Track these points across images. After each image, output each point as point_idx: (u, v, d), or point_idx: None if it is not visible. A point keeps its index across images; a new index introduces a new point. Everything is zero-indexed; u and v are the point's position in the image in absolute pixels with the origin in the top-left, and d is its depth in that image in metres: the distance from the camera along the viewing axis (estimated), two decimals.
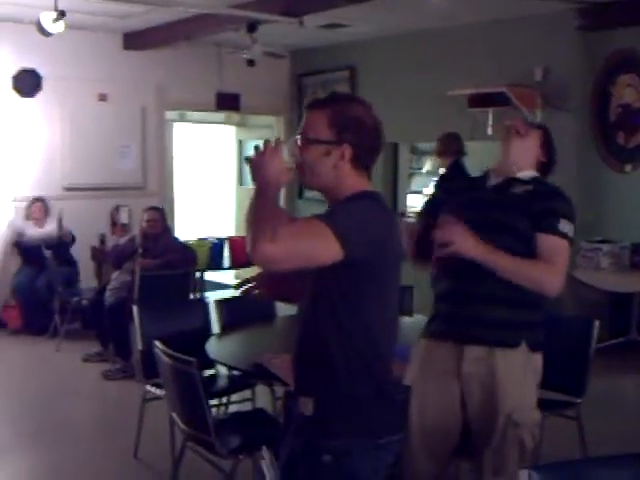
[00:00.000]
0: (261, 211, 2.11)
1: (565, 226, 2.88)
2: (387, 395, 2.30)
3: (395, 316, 2.36)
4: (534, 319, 2.98)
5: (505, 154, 3.07)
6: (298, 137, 2.27)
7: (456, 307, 2.98)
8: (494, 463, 2.92)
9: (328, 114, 2.24)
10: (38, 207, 7.71)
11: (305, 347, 2.30)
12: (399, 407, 2.36)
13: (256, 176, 2.17)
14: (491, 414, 2.90)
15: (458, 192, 3.22)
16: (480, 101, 7.20)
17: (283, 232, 2.06)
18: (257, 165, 2.17)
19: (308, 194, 9.42)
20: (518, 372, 2.91)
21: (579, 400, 4.01)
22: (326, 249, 2.10)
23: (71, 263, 7.74)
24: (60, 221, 7.58)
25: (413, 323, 4.23)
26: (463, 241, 2.80)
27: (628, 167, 6.84)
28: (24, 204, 7.79)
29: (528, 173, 3.04)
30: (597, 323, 4.05)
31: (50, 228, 7.64)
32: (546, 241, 2.88)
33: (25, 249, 7.63)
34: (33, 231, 7.63)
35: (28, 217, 7.69)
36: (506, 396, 2.88)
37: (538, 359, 2.99)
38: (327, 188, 2.29)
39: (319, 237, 2.09)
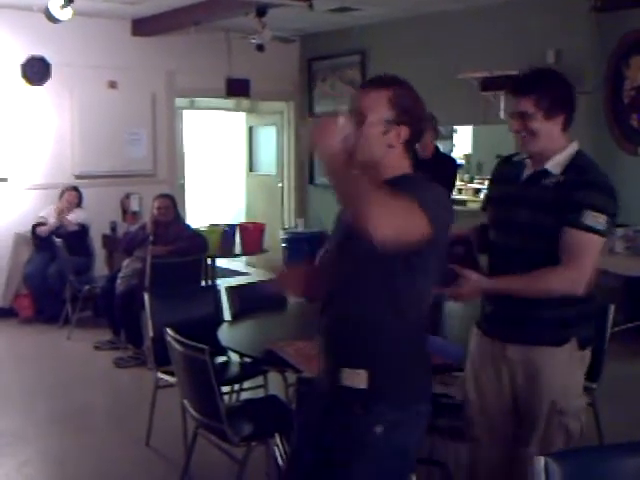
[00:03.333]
0: (355, 185, 2.06)
1: (591, 218, 2.68)
2: (426, 363, 2.40)
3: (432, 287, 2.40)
4: (581, 314, 2.88)
5: (523, 147, 2.87)
6: (347, 112, 2.28)
7: (498, 307, 2.93)
8: (540, 450, 2.85)
9: (390, 94, 2.29)
10: (72, 196, 7.68)
11: (353, 320, 2.31)
12: (431, 375, 2.46)
13: (316, 148, 2.14)
14: (535, 400, 2.87)
15: (499, 180, 3.05)
16: (492, 84, 7.13)
17: (394, 207, 2.05)
18: (317, 139, 2.12)
19: (318, 180, 9.39)
20: (563, 361, 2.84)
21: (594, 385, 3.97)
22: (422, 227, 2.11)
23: (86, 254, 7.72)
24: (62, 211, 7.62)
25: None
26: (469, 292, 2.78)
27: None
28: (42, 192, 7.80)
29: (563, 156, 2.81)
30: (612, 307, 4.01)
31: (74, 217, 7.62)
32: (568, 236, 2.71)
33: (40, 237, 7.60)
34: (55, 219, 7.58)
35: (58, 202, 7.65)
36: (550, 384, 2.83)
37: (586, 352, 2.92)
38: (374, 164, 2.30)
39: (418, 215, 2.10)
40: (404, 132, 2.28)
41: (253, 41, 7.53)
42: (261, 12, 7.00)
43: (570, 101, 2.82)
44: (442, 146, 9.37)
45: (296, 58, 9.72)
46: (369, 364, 2.28)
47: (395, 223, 2.03)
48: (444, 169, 6.43)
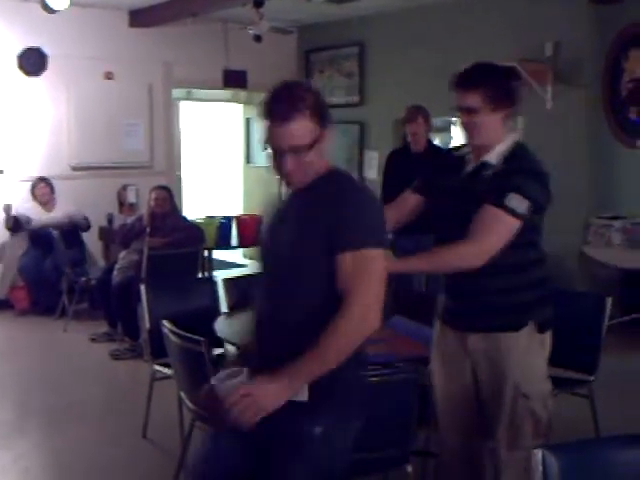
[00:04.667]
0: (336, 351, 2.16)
1: (512, 201, 2.72)
2: (363, 379, 2.38)
3: None
4: (537, 298, 2.93)
5: (469, 139, 2.95)
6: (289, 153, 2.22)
7: (453, 300, 3.00)
8: (508, 437, 2.92)
9: (308, 115, 2.20)
10: (42, 187, 7.64)
11: (295, 333, 2.23)
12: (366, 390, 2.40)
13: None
14: (499, 387, 2.90)
15: (440, 174, 3.09)
16: None
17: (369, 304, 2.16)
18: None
19: None
20: (522, 345, 2.88)
21: (591, 378, 3.98)
22: (384, 270, 2.21)
23: (79, 244, 7.71)
24: (74, 212, 7.60)
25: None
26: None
27: (639, 142, 6.76)
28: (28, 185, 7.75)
29: (501, 147, 2.87)
30: (610, 300, 4.01)
31: (60, 213, 7.59)
32: (482, 212, 2.76)
33: (32, 232, 7.57)
34: (41, 215, 7.55)
35: (34, 198, 7.63)
36: (511, 368, 2.87)
37: (546, 336, 2.96)
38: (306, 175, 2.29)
39: (379, 273, 2.19)
40: (329, 133, 2.25)
41: (250, 32, 7.51)
42: (258, 3, 6.96)
43: (513, 94, 2.88)
44: (439, 138, 9.38)
45: (294, 49, 9.69)
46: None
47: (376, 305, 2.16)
48: None
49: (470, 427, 3.07)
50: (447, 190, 2.97)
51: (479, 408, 3.03)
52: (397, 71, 8.41)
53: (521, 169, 2.82)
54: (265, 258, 2.44)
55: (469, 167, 2.95)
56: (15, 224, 7.47)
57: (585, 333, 4.02)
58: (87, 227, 7.73)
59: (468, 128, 2.88)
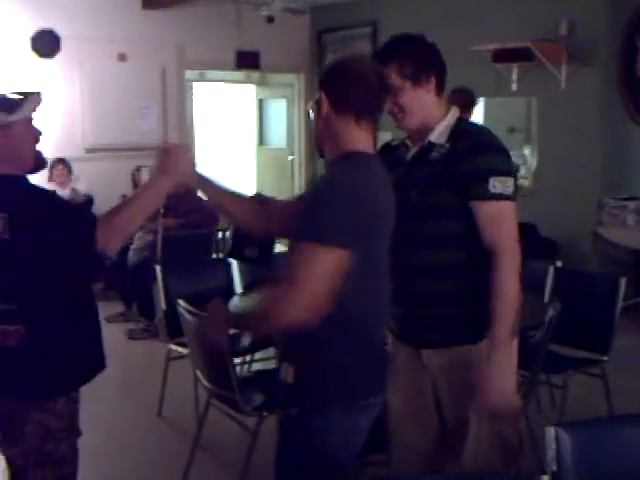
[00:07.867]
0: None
1: (496, 185, 2.35)
2: (370, 359, 2.25)
3: (385, 276, 2.26)
4: None
5: (400, 126, 2.56)
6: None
7: (404, 307, 2.53)
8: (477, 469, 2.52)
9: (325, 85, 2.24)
10: (60, 169, 7.69)
11: None
12: (382, 368, 2.30)
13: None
14: (461, 408, 2.51)
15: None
16: (504, 56, 7.07)
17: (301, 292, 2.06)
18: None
19: None
20: (484, 359, 2.44)
21: (605, 358, 3.99)
22: (337, 264, 2.06)
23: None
24: (78, 190, 7.63)
25: None
26: None
27: None
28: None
29: (444, 124, 2.49)
30: (623, 281, 4.01)
31: (68, 191, 7.63)
32: (482, 210, 2.38)
33: None
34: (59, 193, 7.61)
35: (50, 179, 7.67)
36: (473, 386, 2.42)
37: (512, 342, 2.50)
38: (330, 148, 2.26)
39: (323, 264, 2.05)
40: (326, 105, 2.21)
41: (263, 13, 7.49)
42: None
43: (436, 60, 2.53)
44: None
45: (306, 30, 9.66)
46: (297, 361, 2.19)
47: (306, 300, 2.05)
48: None
49: (425, 444, 2.67)
50: (393, 185, 2.32)
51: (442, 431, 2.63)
52: None
53: (485, 145, 2.45)
54: None
55: (411, 153, 2.56)
56: None
57: (599, 313, 4.03)
58: (89, 203, 7.70)
59: (393, 113, 2.49)
